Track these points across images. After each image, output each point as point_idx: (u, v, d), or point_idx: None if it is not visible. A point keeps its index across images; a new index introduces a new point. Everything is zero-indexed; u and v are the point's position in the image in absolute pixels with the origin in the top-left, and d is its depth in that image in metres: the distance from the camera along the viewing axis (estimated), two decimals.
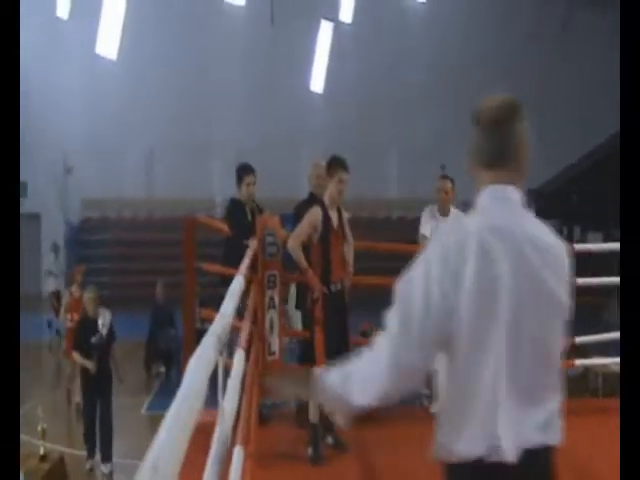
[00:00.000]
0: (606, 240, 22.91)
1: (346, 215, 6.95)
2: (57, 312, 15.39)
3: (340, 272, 6.68)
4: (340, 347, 6.53)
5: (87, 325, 10.56)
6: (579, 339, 8.70)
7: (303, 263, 6.54)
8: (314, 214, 6.63)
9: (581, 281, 8.52)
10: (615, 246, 11.01)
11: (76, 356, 10.55)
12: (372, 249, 13.13)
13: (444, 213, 7.97)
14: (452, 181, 8.08)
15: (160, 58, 26.19)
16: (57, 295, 19.32)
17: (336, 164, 6.75)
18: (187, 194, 25.58)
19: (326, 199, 6.71)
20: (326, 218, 6.62)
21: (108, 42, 20.51)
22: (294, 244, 6.56)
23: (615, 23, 22.75)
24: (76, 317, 12.67)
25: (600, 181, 25.98)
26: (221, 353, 3.40)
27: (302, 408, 7.39)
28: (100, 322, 10.43)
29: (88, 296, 10.62)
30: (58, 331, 16.60)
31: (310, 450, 6.35)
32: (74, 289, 13.76)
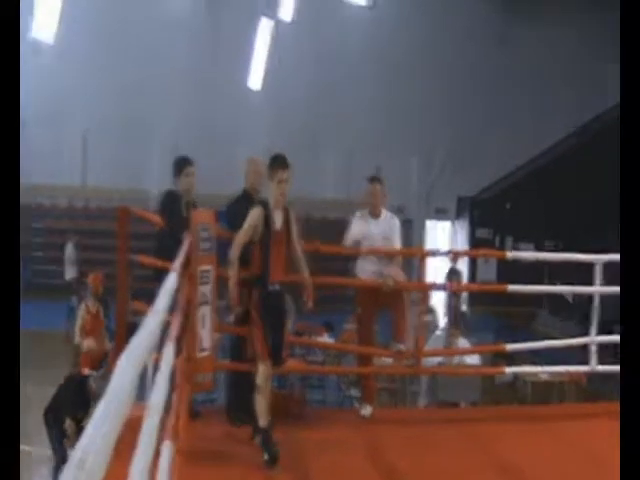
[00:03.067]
0: (537, 251, 23.16)
1: (294, 215, 6.91)
2: (81, 298, 13.39)
3: (279, 273, 6.66)
4: (275, 346, 6.53)
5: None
6: (509, 347, 8.83)
7: (234, 272, 6.51)
8: (254, 216, 6.60)
9: (512, 288, 8.66)
10: (545, 255, 11.23)
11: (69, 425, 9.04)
12: (314, 251, 13.07)
13: (375, 215, 7.96)
14: (382, 183, 8.11)
15: (98, 46, 25.76)
16: (79, 279, 18.15)
17: (276, 165, 6.71)
18: (122, 185, 25.27)
19: (271, 201, 6.69)
20: (268, 220, 6.60)
21: (45, 26, 20.26)
22: (234, 253, 6.54)
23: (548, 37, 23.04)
24: (91, 340, 11.38)
25: (535, 192, 26.41)
26: (152, 350, 3.37)
27: (232, 405, 7.36)
28: None
29: None
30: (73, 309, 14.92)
31: (265, 455, 6.24)
32: (91, 303, 11.92)
